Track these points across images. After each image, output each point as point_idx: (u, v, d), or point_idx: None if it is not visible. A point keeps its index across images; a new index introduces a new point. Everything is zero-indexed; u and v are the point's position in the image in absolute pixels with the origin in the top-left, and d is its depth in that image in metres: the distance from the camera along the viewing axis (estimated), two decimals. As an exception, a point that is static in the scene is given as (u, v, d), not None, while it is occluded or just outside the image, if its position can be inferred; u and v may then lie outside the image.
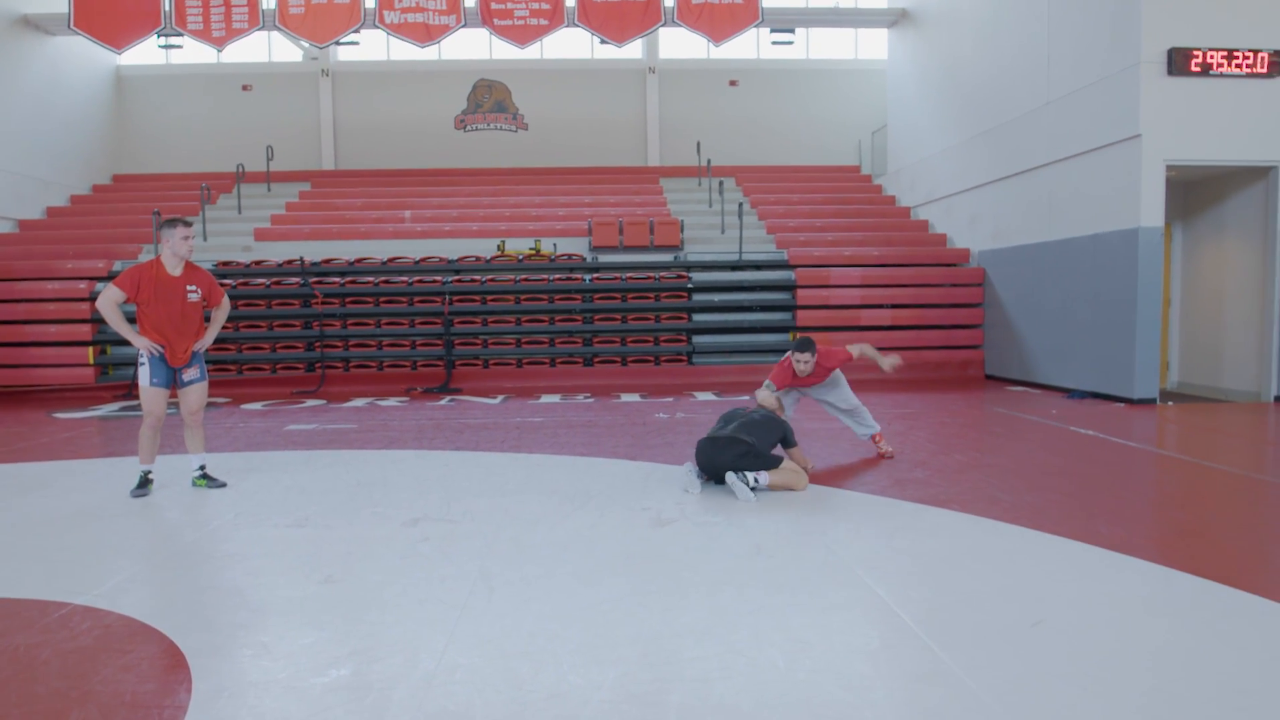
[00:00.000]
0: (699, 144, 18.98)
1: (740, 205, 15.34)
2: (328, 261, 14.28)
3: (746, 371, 13.51)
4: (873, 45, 20.52)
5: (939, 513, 5.06)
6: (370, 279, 13.99)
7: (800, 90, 20.93)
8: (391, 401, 11.48)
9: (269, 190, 18.14)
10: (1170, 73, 9.77)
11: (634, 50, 20.14)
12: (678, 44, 20.62)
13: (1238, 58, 9.79)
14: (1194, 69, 9.76)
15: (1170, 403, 10.29)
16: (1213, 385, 11.17)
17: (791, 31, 18.26)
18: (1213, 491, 5.89)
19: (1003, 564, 4.12)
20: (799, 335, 13.55)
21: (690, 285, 14.06)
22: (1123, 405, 10.00)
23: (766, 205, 17.13)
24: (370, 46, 19.95)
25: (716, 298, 14.03)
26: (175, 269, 5.77)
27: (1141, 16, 9.80)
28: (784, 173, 19.69)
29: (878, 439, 7.00)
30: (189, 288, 5.79)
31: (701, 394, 11.83)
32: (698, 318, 14.05)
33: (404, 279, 14.03)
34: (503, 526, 4.82)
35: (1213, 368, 11.22)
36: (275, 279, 13.97)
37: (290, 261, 14.18)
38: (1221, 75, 9.81)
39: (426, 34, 14.76)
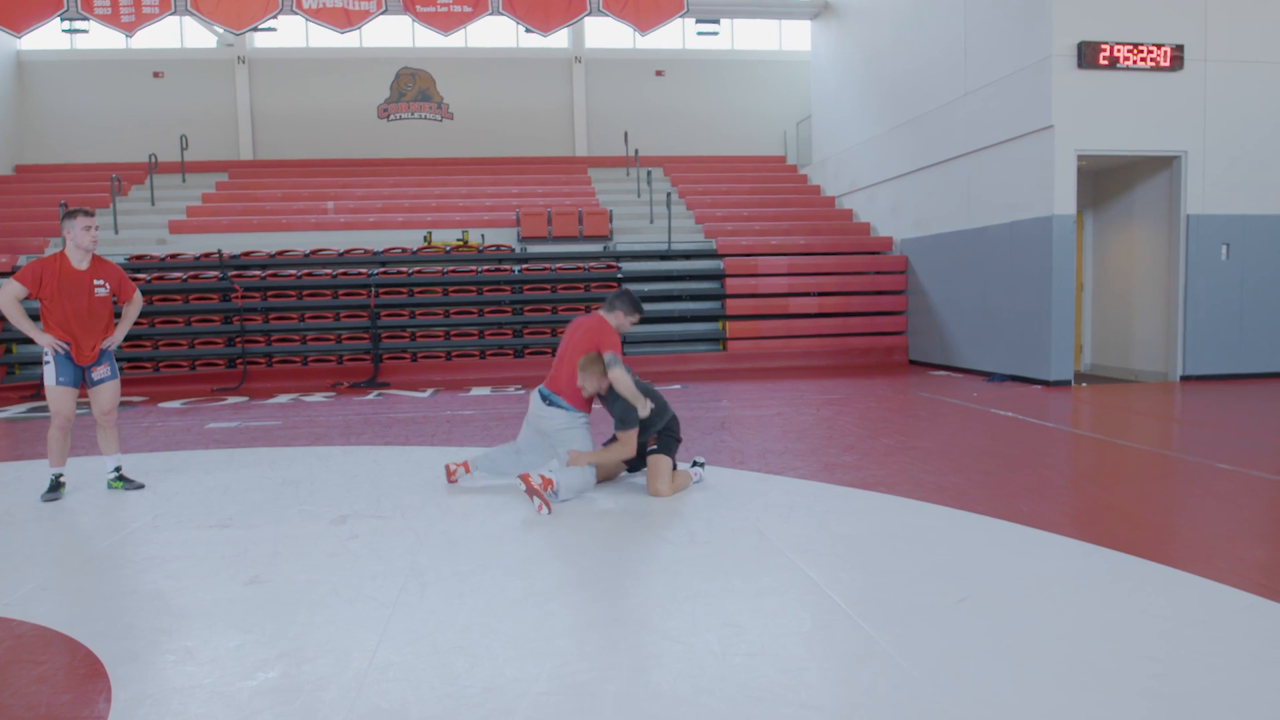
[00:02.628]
0: (626, 134, 18.98)
1: (669, 195, 15.41)
2: (247, 254, 13.87)
3: (677, 360, 13.61)
4: (797, 37, 20.76)
5: (867, 495, 5.17)
6: (292, 272, 13.64)
7: (726, 81, 21.07)
8: (317, 397, 11.23)
9: (184, 181, 17.51)
10: (1080, 65, 10.12)
11: (560, 39, 20.01)
12: (604, 33, 20.56)
13: (1143, 51, 10.19)
14: (1102, 62, 10.12)
15: (1084, 384, 10.70)
16: (1124, 366, 11.65)
17: (716, 22, 18.33)
18: (1125, 468, 6.14)
19: (929, 543, 4.23)
20: (725, 322, 13.78)
21: (620, 275, 14.06)
22: (1039, 387, 10.35)
23: (694, 195, 17.22)
24: (289, 33, 19.40)
25: (646, 288, 14.06)
26: (81, 263, 5.49)
27: (1052, 11, 10.13)
28: (711, 163, 19.82)
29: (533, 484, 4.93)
30: (96, 282, 5.53)
31: (633, 384, 11.83)
32: (628, 308, 14.03)
33: (328, 271, 13.72)
34: (434, 521, 4.75)
35: (1123, 349, 11.71)
36: (192, 273, 13.51)
37: (208, 255, 13.72)
38: (1128, 68, 10.20)
39: (346, 20, 14.41)
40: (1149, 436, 7.42)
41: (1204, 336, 10.63)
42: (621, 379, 5.17)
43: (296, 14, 14.48)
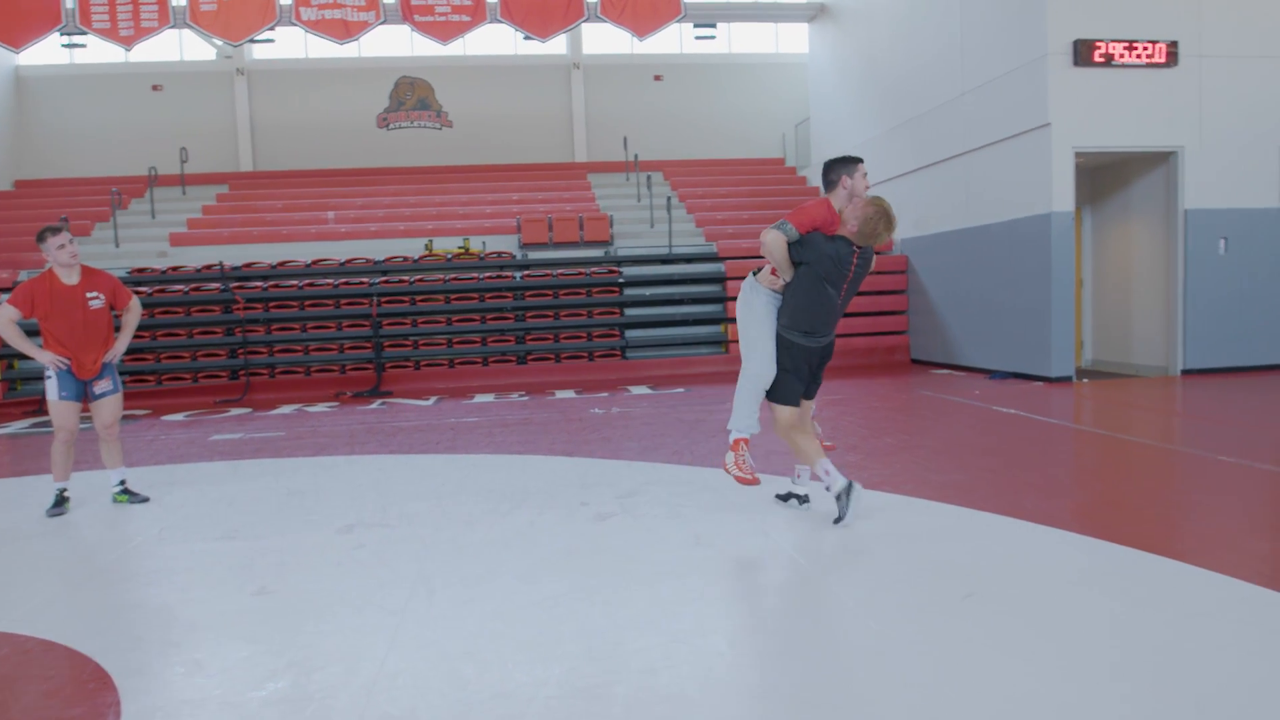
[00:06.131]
0: (626, 139, 19.01)
1: (669, 199, 15.43)
2: (249, 266, 13.89)
3: (680, 364, 13.62)
4: (794, 39, 20.80)
5: (872, 494, 5.17)
6: (294, 282, 13.66)
7: (724, 84, 21.11)
8: (320, 407, 11.24)
9: (184, 194, 17.55)
10: (1076, 63, 10.14)
11: (558, 46, 20.06)
12: (602, 39, 20.60)
13: (1137, 48, 10.21)
14: (1098, 59, 10.14)
15: (1085, 380, 10.70)
16: (1124, 361, 11.65)
17: (713, 26, 18.36)
18: (1128, 463, 6.14)
19: (935, 541, 4.24)
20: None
21: (621, 280, 14.08)
22: (1041, 384, 10.35)
23: (694, 199, 17.25)
24: (287, 44, 19.45)
25: (648, 292, 14.08)
26: (70, 277, 5.44)
27: (1047, 9, 10.15)
28: (711, 166, 19.85)
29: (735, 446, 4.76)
30: (89, 295, 5.48)
31: (636, 388, 11.87)
32: (630, 312, 14.08)
33: (329, 281, 13.74)
34: (440, 529, 4.76)
35: (1124, 345, 11.70)
36: (194, 285, 13.53)
37: (209, 266, 13.75)
38: (1123, 65, 10.22)
39: (345, 31, 14.45)
40: (1151, 431, 7.42)
41: (1204, 330, 10.62)
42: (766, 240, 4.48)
43: (295, 25, 14.53)
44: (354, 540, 4.61)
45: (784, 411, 4.66)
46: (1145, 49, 10.22)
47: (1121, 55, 10.19)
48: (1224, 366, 10.65)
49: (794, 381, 4.64)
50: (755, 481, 4.65)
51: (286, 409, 11.18)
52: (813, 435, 4.71)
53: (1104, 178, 11.87)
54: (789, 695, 2.68)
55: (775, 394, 4.67)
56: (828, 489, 4.51)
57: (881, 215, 4.35)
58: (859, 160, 4.60)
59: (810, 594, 3.55)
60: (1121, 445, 6.74)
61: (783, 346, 4.61)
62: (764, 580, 3.72)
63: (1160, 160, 10.79)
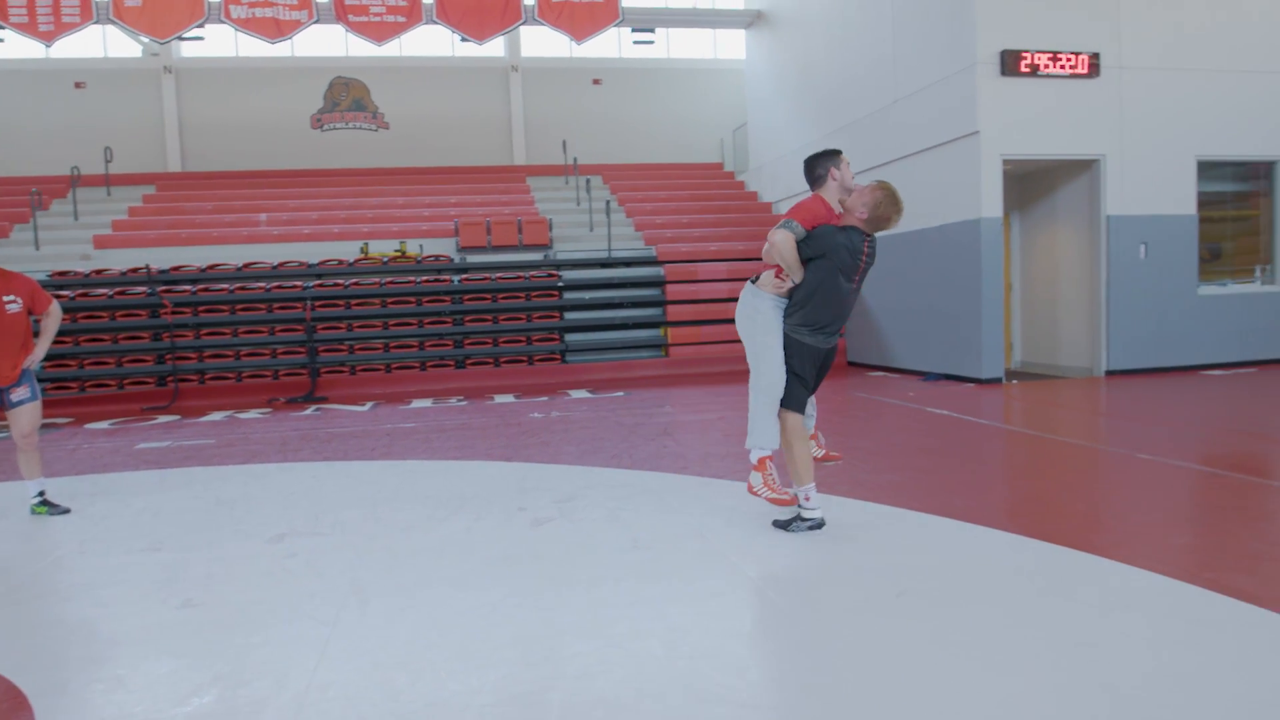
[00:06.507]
0: (565, 142, 18.97)
1: (608, 203, 15.45)
2: (177, 269, 13.52)
3: (621, 368, 13.64)
4: (732, 46, 21.01)
5: (807, 496, 5.24)
6: (225, 286, 13.33)
7: (663, 89, 21.23)
8: (253, 414, 10.98)
9: (109, 194, 17.00)
10: (1003, 73, 10.43)
11: (496, 48, 19.97)
12: (540, 42, 20.56)
13: (1061, 59, 10.55)
14: (1024, 69, 10.45)
15: (1015, 381, 11.00)
16: (1051, 363, 12.01)
17: (652, 31, 18.50)
18: (1054, 462, 6.33)
19: (867, 540, 4.31)
20: (667, 327, 13.84)
21: (561, 284, 14.04)
22: (973, 385, 10.62)
23: (634, 203, 17.29)
24: (218, 42, 19.00)
25: (588, 295, 14.07)
26: None
27: (975, 20, 10.43)
28: (650, 170, 19.93)
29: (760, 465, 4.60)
30: (6, 298, 5.29)
31: (576, 392, 11.84)
32: (570, 316, 14.05)
33: (261, 285, 13.44)
34: (374, 536, 4.69)
35: (1051, 347, 12.07)
36: (119, 289, 13.12)
37: (135, 270, 13.34)
38: (1048, 75, 10.55)
39: (277, 29, 14.17)
40: (1075, 430, 7.67)
41: (1125, 333, 11.01)
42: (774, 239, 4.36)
43: (225, 23, 14.19)
44: (285, 550, 4.52)
45: (790, 417, 4.49)
46: (1069, 60, 10.57)
47: (1046, 66, 10.52)
48: (1145, 367, 11.05)
49: (801, 385, 4.50)
50: (792, 500, 4.46)
51: (217, 416, 10.90)
52: (809, 451, 4.55)
53: (1031, 184, 12.23)
54: (723, 697, 2.70)
55: (783, 397, 4.51)
56: (802, 512, 4.44)
57: (890, 197, 4.27)
58: (839, 151, 4.51)
59: (746, 595, 3.59)
60: (1048, 444, 6.95)
61: (791, 348, 4.45)
62: (700, 583, 3.74)
63: (1084, 168, 11.15)
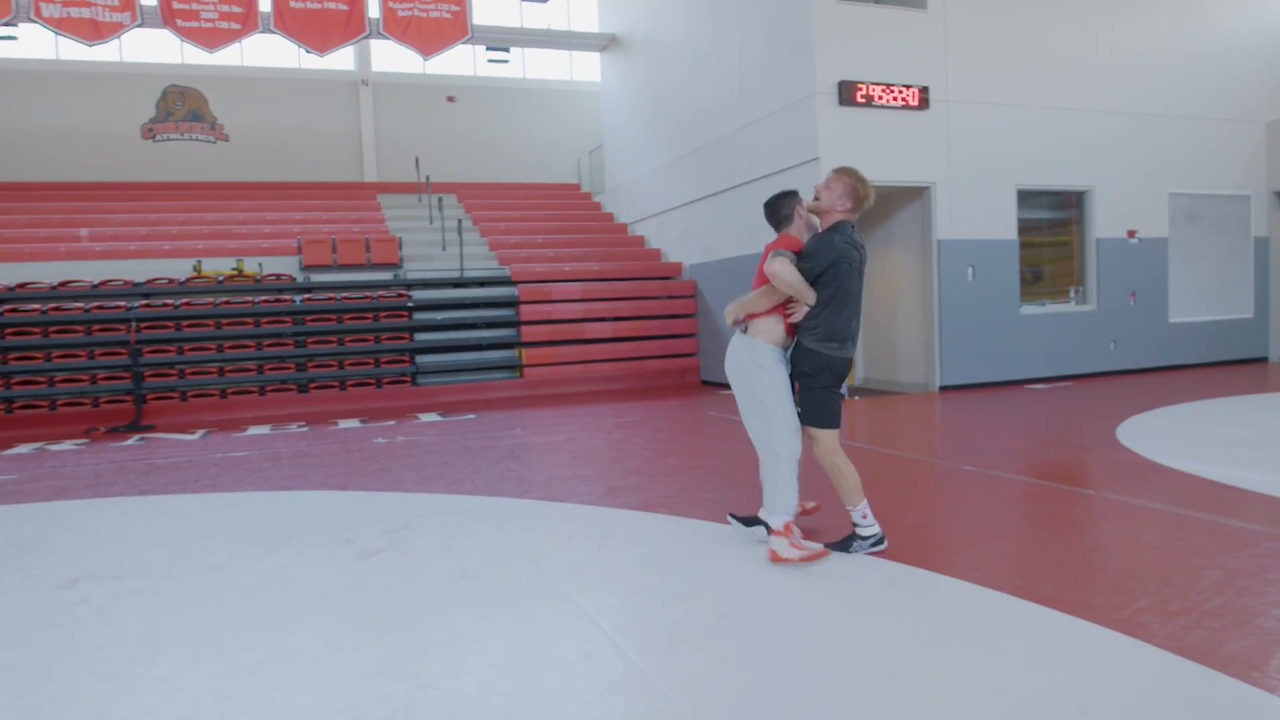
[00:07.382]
0: (418, 160, 18.54)
1: (460, 222, 15.15)
2: (-21, 288, 12.33)
3: (473, 390, 13.36)
4: (588, 68, 21.13)
5: (648, 517, 5.22)
6: (36, 306, 12.25)
7: (519, 109, 21.11)
8: (66, 445, 10.10)
9: (-100, 206, 15.38)
10: (841, 103, 10.88)
11: (345, 61, 19.37)
12: (392, 57, 20.07)
13: (894, 91, 11.10)
14: (860, 100, 10.93)
15: (857, 396, 11.42)
16: (891, 379, 12.55)
17: (507, 50, 18.38)
18: (887, 475, 6.55)
19: (700, 563, 4.30)
20: (520, 349, 13.67)
21: (411, 304, 13.64)
22: (818, 403, 10.92)
23: (488, 222, 17.05)
24: (35, 43, 17.58)
25: (439, 316, 13.73)
26: None
27: (814, 52, 10.84)
28: (505, 190, 19.73)
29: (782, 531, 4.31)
30: None
31: (426, 415, 11.50)
32: (420, 337, 13.65)
33: (79, 305, 12.42)
34: (181, 578, 4.33)
35: (890, 364, 12.62)
36: (-92, 310, 11.84)
37: (-71, 289, 12.09)
38: (883, 106, 11.08)
39: (95, 31, 13.22)
40: (908, 444, 7.99)
41: (956, 350, 11.63)
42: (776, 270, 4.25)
43: (35, 22, 13.13)
44: (76, 596, 4.11)
45: (829, 436, 4.30)
46: (900, 92, 11.13)
47: (880, 97, 11.04)
48: (974, 383, 11.70)
49: (838, 399, 4.34)
50: (824, 552, 4.22)
51: (24, 448, 9.96)
52: (853, 467, 4.38)
53: (871, 209, 12.73)
54: (535, 735, 2.59)
55: (818, 417, 4.31)
56: (859, 530, 4.29)
57: (858, 176, 4.28)
58: (796, 191, 4.65)
59: (574, 624, 3.49)
60: (883, 458, 7.20)
61: (820, 363, 4.27)
62: (529, 614, 3.62)
63: (917, 194, 11.75)
